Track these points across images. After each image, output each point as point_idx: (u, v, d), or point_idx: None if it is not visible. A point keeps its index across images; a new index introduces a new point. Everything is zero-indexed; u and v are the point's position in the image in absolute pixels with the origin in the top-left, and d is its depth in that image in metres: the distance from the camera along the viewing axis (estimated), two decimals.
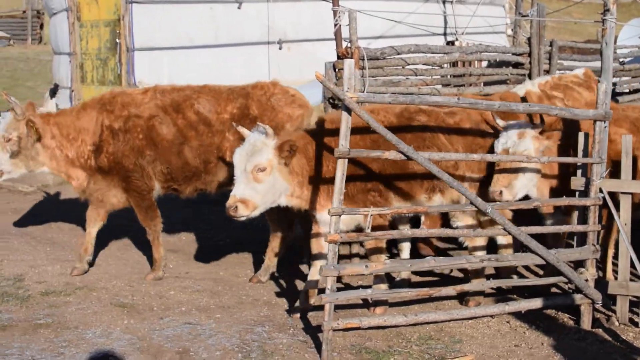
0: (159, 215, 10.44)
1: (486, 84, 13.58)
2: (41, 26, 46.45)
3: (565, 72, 12.75)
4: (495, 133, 9.17)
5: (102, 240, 9.65)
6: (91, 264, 10.56)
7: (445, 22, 20.28)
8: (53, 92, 21.55)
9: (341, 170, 7.71)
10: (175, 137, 10.26)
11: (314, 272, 9.06)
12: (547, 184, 9.32)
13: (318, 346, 7.98)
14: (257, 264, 10.56)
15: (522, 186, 8.92)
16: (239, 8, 18.64)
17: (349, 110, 7.67)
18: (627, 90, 17.42)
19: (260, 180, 8.39)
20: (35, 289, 9.65)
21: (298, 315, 8.89)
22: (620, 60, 18.09)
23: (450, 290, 8.45)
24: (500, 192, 8.66)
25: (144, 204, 10.37)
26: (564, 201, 8.88)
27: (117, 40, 18.97)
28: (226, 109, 10.47)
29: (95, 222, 10.51)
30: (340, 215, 7.75)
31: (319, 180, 8.72)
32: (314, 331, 8.40)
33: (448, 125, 9.22)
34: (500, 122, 9.02)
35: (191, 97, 10.54)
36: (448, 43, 19.01)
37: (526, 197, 9.00)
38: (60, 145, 10.24)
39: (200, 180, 10.40)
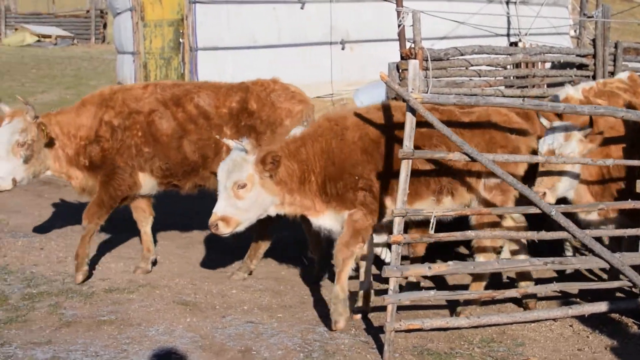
0: (105, 217, 10.34)
1: (550, 85, 13.47)
2: (104, 26, 46.93)
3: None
4: (521, 133, 9.06)
5: (164, 238, 9.69)
6: (154, 262, 10.65)
7: (509, 23, 20.14)
8: None
9: (405, 171, 7.70)
10: (175, 131, 10.29)
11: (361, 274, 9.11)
12: (587, 188, 9.15)
13: (380, 347, 7.97)
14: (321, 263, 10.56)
15: (564, 189, 8.77)
16: (301, 8, 18.68)
17: (413, 111, 7.66)
18: None
19: (241, 197, 8.27)
20: (99, 286, 9.75)
21: (359, 316, 8.89)
22: None
23: (514, 292, 8.41)
24: (544, 194, 8.52)
25: (110, 201, 10.26)
26: (629, 204, 8.78)
27: (181, 40, 19.10)
28: (225, 104, 10.43)
29: (145, 220, 10.68)
30: (404, 217, 7.74)
31: (313, 185, 8.62)
32: (375, 332, 8.39)
33: (462, 124, 8.86)
34: (545, 122, 8.87)
35: (191, 91, 10.52)
36: (511, 44, 18.88)
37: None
38: (63, 145, 10.21)
39: (199, 176, 10.41)
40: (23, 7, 49.90)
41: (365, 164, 8.47)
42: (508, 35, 19.87)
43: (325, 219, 8.65)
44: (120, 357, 7.79)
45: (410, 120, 7.68)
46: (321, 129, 8.67)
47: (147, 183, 10.45)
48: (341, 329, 8.32)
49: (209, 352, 7.96)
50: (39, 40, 43.95)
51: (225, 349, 8.01)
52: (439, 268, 8.04)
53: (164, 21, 19.84)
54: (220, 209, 8.21)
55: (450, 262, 8.12)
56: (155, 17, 20.16)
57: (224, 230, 8.21)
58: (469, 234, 8.13)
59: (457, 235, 8.15)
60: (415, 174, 8.16)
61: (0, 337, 8.23)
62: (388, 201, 8.54)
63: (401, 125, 7.98)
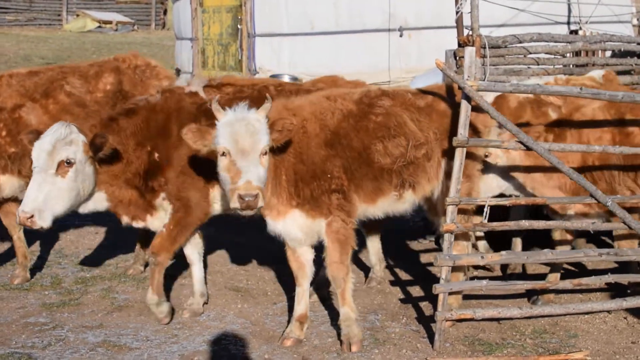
0: None
1: None
2: (164, 12, 47.23)
3: None
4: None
5: (217, 224, 9.68)
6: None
7: (569, 10, 19.88)
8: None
9: (460, 159, 7.63)
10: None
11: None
12: None
13: (430, 336, 7.94)
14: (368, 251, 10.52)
15: None
16: None
17: (468, 99, 7.60)
18: None
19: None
20: None
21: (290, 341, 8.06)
22: None
23: (567, 283, 8.29)
24: None
25: None
26: None
27: (239, 26, 19.13)
28: (98, 87, 9.83)
29: (17, 225, 9.52)
30: (457, 205, 7.69)
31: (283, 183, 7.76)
32: (426, 321, 8.36)
33: (418, 109, 8.20)
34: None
35: (57, 78, 9.72)
36: (571, 32, 18.66)
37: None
38: None
39: None
40: None
41: (332, 159, 7.77)
42: (568, 23, 19.60)
43: (288, 224, 7.79)
44: (171, 342, 7.84)
45: (465, 108, 7.61)
46: None
47: (13, 185, 9.56)
48: (357, 350, 7.78)
49: (260, 338, 7.98)
50: (99, 26, 44.30)
51: (276, 336, 8.04)
52: (491, 258, 7.97)
53: (223, 7, 19.89)
54: (255, 177, 7.12)
55: (503, 252, 8.03)
56: (214, 3, 20.23)
57: (262, 203, 7.10)
58: (523, 223, 8.04)
59: (510, 225, 8.06)
60: (377, 168, 7.90)
61: (52, 320, 8.33)
62: (356, 200, 7.94)
63: (358, 115, 7.90)
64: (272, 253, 10.12)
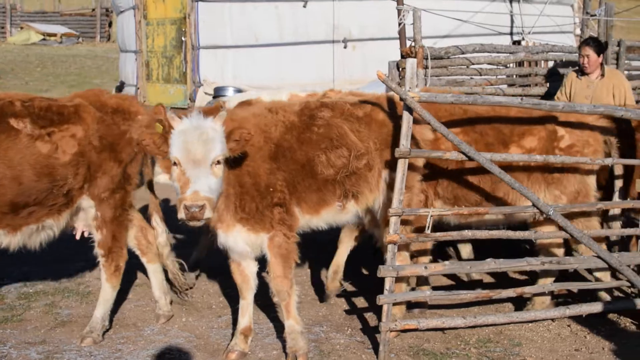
0: None
1: (552, 84, 13.44)
2: (110, 24, 47.06)
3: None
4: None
5: None
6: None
7: (512, 21, 20.11)
8: (119, 90, 21.84)
9: (402, 171, 7.65)
10: None
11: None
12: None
13: (375, 347, 7.93)
14: (316, 264, 10.51)
15: None
16: (304, 7, 18.69)
17: (410, 110, 7.61)
18: None
19: (217, 175, 7.27)
20: (95, 285, 9.71)
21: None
22: None
23: (511, 292, 8.34)
24: None
25: None
26: (628, 204, 8.75)
27: (183, 39, 19.13)
28: None
29: None
30: (399, 216, 7.70)
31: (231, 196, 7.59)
32: (371, 332, 8.35)
33: (357, 119, 8.06)
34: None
35: None
36: (514, 43, 18.85)
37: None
38: None
39: None
40: (29, 6, 50.13)
41: (276, 172, 7.67)
42: (511, 33, 19.84)
43: (236, 238, 7.69)
44: (115, 356, 7.78)
45: (407, 119, 7.63)
46: None
47: None
48: None
49: (204, 352, 7.94)
50: (44, 39, 44.10)
51: (221, 349, 8.00)
52: (435, 268, 8.00)
53: (167, 20, 19.88)
54: (204, 188, 6.95)
55: (446, 262, 8.10)
56: (158, 16, 20.21)
57: (209, 215, 6.95)
58: (466, 233, 8.08)
59: (453, 235, 8.10)
60: (321, 180, 7.81)
61: None
62: (298, 213, 7.86)
63: (300, 127, 7.78)
64: (215, 266, 10.09)
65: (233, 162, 7.36)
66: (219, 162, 7.04)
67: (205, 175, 6.95)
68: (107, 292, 8.41)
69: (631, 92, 10.77)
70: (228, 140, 7.12)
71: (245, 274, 7.97)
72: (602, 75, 10.81)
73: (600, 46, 10.85)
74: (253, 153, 7.56)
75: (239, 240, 7.67)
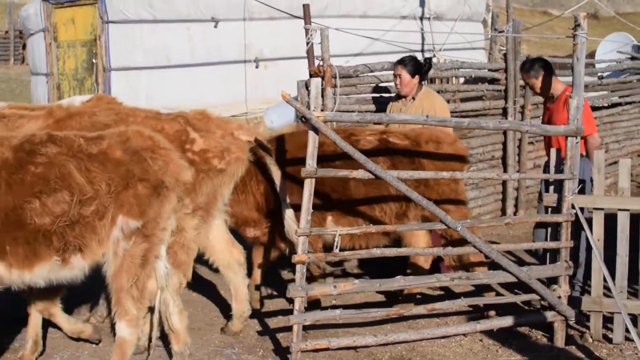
0: None
1: (463, 100, 13.56)
2: (24, 46, 46.36)
3: None
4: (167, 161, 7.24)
5: None
6: None
7: (423, 38, 20.30)
8: None
9: (308, 190, 7.64)
10: None
11: None
12: None
13: None
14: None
15: None
16: (215, 27, 18.68)
17: (315, 130, 7.61)
18: (605, 105, 17.49)
19: None
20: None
21: None
22: (599, 74, 18.15)
23: (422, 309, 8.38)
24: None
25: None
26: (536, 217, 8.86)
27: (94, 61, 18.98)
28: None
29: None
30: (307, 236, 7.68)
31: None
32: (283, 352, 8.31)
33: (89, 156, 6.89)
34: None
35: None
36: (426, 59, 19.02)
37: None
38: None
39: None
40: None
41: None
42: (422, 51, 20.01)
43: None
44: None
45: (313, 139, 7.62)
46: None
47: None
48: None
49: None
50: None
51: None
52: (344, 287, 7.99)
53: (77, 41, 19.73)
54: None
55: (356, 281, 8.09)
56: (69, 38, 20.05)
57: None
58: (375, 251, 8.10)
59: (362, 254, 8.12)
60: (32, 230, 6.66)
61: None
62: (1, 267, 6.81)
63: (10, 164, 6.69)
64: None
65: None
66: None
67: None
68: None
69: (445, 113, 10.27)
70: None
71: None
72: (413, 98, 10.26)
73: (415, 66, 10.25)
74: None
75: None
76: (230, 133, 8.47)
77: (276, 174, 8.66)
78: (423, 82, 10.45)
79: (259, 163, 8.87)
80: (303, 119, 10.14)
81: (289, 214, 8.45)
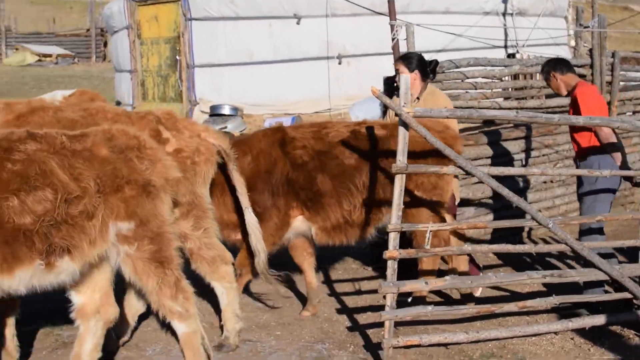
0: None
1: (548, 96, 13.43)
2: (105, 44, 47.14)
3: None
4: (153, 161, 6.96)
5: None
6: None
7: (506, 34, 20.16)
8: None
9: (399, 186, 7.62)
10: None
11: None
12: None
13: None
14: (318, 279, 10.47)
15: None
16: (297, 24, 18.76)
17: (406, 126, 7.59)
18: None
19: None
20: None
21: None
22: None
23: (513, 306, 8.32)
24: None
25: None
26: (627, 215, 8.74)
27: (177, 57, 19.16)
28: None
29: None
30: (399, 232, 7.68)
31: None
32: (374, 348, 8.30)
33: (73, 153, 6.52)
34: None
35: None
36: (509, 55, 18.88)
37: None
38: None
39: None
40: (23, 27, 50.22)
41: None
42: (505, 47, 19.89)
43: None
44: None
45: (403, 135, 7.60)
46: None
47: None
48: None
49: None
50: (39, 60, 44.12)
51: None
52: (436, 283, 7.97)
53: (161, 39, 19.93)
54: None
55: (447, 277, 8.05)
56: (152, 35, 20.26)
57: None
58: (465, 248, 8.06)
59: (453, 250, 8.09)
60: (10, 229, 6.21)
61: None
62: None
63: None
64: None
65: None
66: None
67: None
68: None
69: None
70: None
71: None
72: (418, 98, 9.76)
73: (417, 63, 9.73)
74: None
75: None
76: (197, 134, 8.22)
77: (238, 180, 8.45)
78: (427, 81, 9.93)
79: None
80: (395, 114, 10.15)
81: (252, 221, 8.39)
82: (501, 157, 11.57)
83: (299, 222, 9.11)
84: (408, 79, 7.73)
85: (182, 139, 8.04)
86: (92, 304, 7.00)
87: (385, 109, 10.38)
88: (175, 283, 6.80)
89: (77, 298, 6.99)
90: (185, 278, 7.00)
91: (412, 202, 8.69)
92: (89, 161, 6.47)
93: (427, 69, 9.85)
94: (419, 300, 9.01)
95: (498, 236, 11.22)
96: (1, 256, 6.20)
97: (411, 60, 9.74)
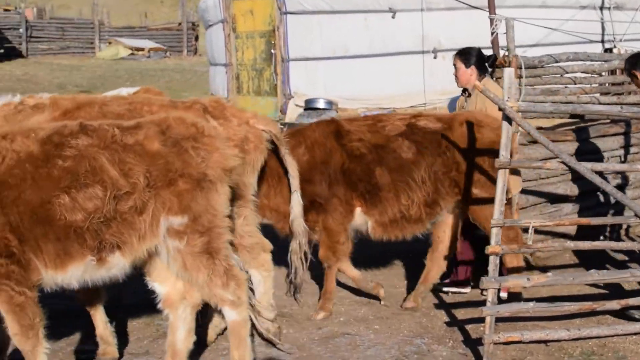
0: None
1: None
2: (196, 38, 47.64)
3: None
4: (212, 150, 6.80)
5: None
6: None
7: (603, 28, 19.86)
8: None
9: (502, 181, 7.60)
10: None
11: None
12: None
13: (478, 359, 7.90)
14: (414, 275, 10.46)
15: None
16: (393, 17, 18.70)
17: (509, 120, 7.56)
18: None
19: None
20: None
21: None
22: None
23: (614, 304, 8.24)
24: None
25: None
26: None
27: (272, 51, 19.26)
28: None
29: None
30: (501, 227, 7.66)
31: None
32: (473, 344, 8.29)
33: (125, 147, 6.46)
34: None
35: None
36: (606, 50, 18.62)
37: None
38: None
39: None
40: (116, 21, 51.05)
41: None
42: (602, 41, 19.59)
43: None
44: None
45: (506, 130, 7.57)
46: None
47: None
48: None
49: None
50: (132, 54, 44.80)
51: None
52: (538, 279, 7.93)
53: (256, 32, 20.04)
54: None
55: (549, 273, 8.00)
56: (247, 29, 20.39)
57: None
58: (568, 244, 8.01)
59: (555, 246, 8.04)
60: (62, 227, 6.27)
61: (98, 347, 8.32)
62: (38, 265, 6.40)
63: (35, 158, 6.29)
64: (315, 277, 10.13)
65: None
66: None
67: None
68: None
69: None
70: None
71: None
72: (470, 94, 9.84)
73: (473, 58, 9.75)
74: None
75: None
76: (245, 121, 8.15)
77: (291, 163, 8.43)
78: (484, 76, 9.82)
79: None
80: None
81: (298, 204, 8.42)
82: (596, 154, 11.41)
83: (357, 215, 9.15)
84: (512, 73, 7.70)
85: (230, 127, 7.96)
86: (176, 292, 7.03)
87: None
88: (225, 271, 6.71)
89: (160, 288, 7.07)
90: (236, 265, 6.94)
91: (479, 198, 8.74)
92: (140, 155, 6.43)
93: (485, 64, 9.88)
94: (514, 297, 9.01)
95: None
96: (54, 253, 6.30)
97: (469, 55, 9.75)
